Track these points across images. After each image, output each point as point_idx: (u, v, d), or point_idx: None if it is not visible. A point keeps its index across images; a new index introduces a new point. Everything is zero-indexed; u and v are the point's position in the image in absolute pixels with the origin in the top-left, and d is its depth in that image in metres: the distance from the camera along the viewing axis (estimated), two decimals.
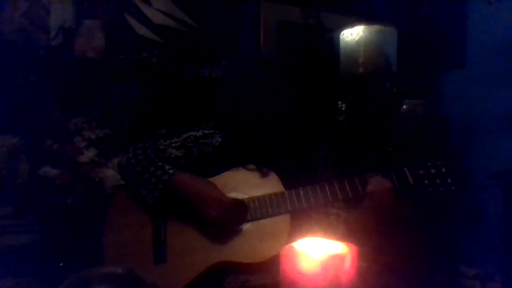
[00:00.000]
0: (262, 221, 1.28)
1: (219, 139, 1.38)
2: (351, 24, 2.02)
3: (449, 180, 1.28)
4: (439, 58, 2.39)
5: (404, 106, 2.00)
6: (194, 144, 1.37)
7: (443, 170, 1.29)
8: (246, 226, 1.29)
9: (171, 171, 1.27)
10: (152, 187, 1.27)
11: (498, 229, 2.09)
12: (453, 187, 1.28)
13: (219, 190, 1.28)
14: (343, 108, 1.99)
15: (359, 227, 1.36)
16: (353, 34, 2.00)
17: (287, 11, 2.20)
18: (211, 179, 1.33)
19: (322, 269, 0.75)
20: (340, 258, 0.77)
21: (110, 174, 1.70)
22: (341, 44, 2.05)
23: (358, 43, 1.98)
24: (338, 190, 1.29)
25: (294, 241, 0.81)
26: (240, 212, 1.29)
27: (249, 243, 1.26)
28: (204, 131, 1.40)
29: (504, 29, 2.21)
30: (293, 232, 1.26)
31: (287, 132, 1.38)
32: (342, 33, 2.05)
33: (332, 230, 1.34)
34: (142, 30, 1.90)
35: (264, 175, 1.32)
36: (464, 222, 2.25)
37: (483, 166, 2.15)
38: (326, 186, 1.30)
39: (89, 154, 1.71)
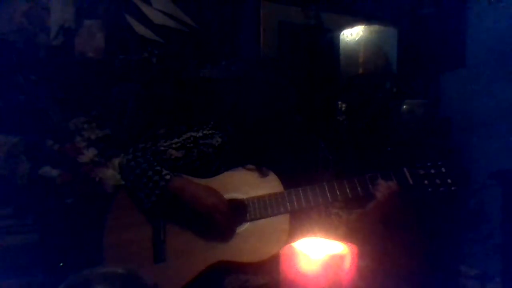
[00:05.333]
0: (261, 221, 1.28)
1: (219, 140, 1.38)
2: (351, 24, 2.02)
3: (449, 180, 1.28)
4: (439, 58, 2.39)
5: (404, 106, 2.00)
6: (194, 144, 1.36)
7: (443, 170, 1.29)
8: (246, 226, 1.29)
9: (167, 177, 1.27)
10: (149, 192, 1.27)
11: (498, 229, 2.09)
12: (453, 187, 1.28)
13: (216, 194, 1.28)
14: (343, 108, 1.99)
15: (359, 227, 1.36)
16: (353, 34, 2.00)
17: (287, 11, 2.20)
18: (211, 180, 1.33)
19: (322, 269, 0.75)
20: (340, 258, 0.77)
21: (110, 174, 1.70)
22: (341, 44, 2.05)
23: (358, 43, 1.98)
24: (337, 191, 1.29)
25: (294, 241, 0.81)
26: (239, 212, 1.29)
27: (249, 243, 1.27)
28: (204, 132, 1.40)
29: (504, 29, 2.21)
30: (293, 232, 1.26)
31: (287, 132, 1.38)
32: (342, 33, 2.05)
33: (332, 230, 1.34)
34: (142, 30, 1.90)
35: (263, 175, 1.32)
36: (464, 222, 2.25)
37: (483, 166, 2.15)
38: (326, 187, 1.30)
39: (89, 154, 1.70)
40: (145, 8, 1.92)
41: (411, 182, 1.29)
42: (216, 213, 1.25)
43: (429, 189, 1.28)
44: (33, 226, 1.67)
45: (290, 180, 1.32)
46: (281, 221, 1.28)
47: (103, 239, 1.32)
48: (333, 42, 2.11)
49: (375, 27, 1.97)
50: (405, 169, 1.30)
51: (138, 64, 1.86)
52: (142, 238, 1.30)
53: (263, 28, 2.13)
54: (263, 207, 1.28)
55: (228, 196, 1.30)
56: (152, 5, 1.93)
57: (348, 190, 1.29)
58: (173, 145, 1.36)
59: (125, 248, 1.30)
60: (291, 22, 2.21)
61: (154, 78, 1.89)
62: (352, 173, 1.32)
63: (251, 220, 1.29)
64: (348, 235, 1.32)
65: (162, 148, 1.35)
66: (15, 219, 1.66)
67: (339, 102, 2.01)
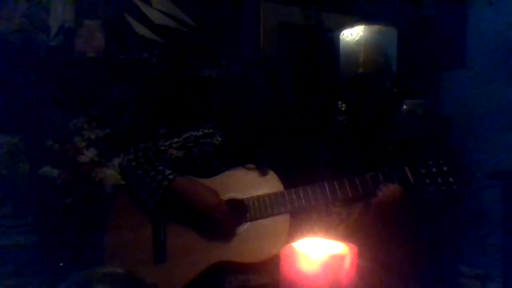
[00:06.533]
0: (261, 221, 1.28)
1: (220, 139, 1.38)
2: (351, 24, 2.02)
3: (450, 179, 1.26)
4: (439, 58, 2.39)
5: (404, 106, 1.99)
6: (194, 143, 1.36)
7: (445, 168, 1.28)
8: (246, 226, 1.29)
9: (171, 177, 1.27)
10: (153, 192, 1.27)
11: (498, 229, 2.09)
12: (455, 186, 1.26)
13: (217, 196, 1.28)
14: (343, 108, 1.98)
15: (359, 227, 1.36)
16: (353, 34, 1.99)
17: (287, 11, 2.20)
18: (211, 179, 1.33)
19: (322, 269, 0.75)
20: (340, 258, 0.77)
21: (110, 174, 1.70)
22: (341, 44, 2.05)
23: (358, 43, 1.97)
24: (338, 190, 1.29)
25: (294, 241, 0.81)
26: (239, 212, 1.29)
27: (249, 243, 1.27)
28: (205, 131, 1.40)
29: (504, 29, 2.21)
30: (293, 232, 1.26)
31: (287, 132, 1.38)
32: (342, 33, 2.05)
33: (332, 230, 1.34)
34: (142, 30, 1.90)
35: (263, 174, 1.32)
36: (464, 222, 2.25)
37: (483, 166, 2.15)
38: (326, 186, 1.30)
39: (89, 154, 1.71)
40: (145, 8, 1.92)
41: (412, 181, 1.28)
42: (218, 213, 1.25)
43: (431, 188, 1.27)
44: (33, 226, 1.68)
45: (290, 179, 1.32)
46: (281, 221, 1.28)
47: (103, 239, 1.31)
48: (333, 42, 2.11)
49: (375, 27, 1.97)
50: (406, 168, 1.30)
51: (138, 64, 1.86)
52: (142, 238, 1.30)
53: (263, 28, 2.13)
54: (263, 207, 1.28)
55: (228, 195, 1.30)
56: (152, 5, 1.93)
57: (348, 189, 1.29)
58: (174, 145, 1.36)
59: (125, 248, 1.30)
60: (291, 22, 2.21)
61: (154, 78, 1.89)
62: (352, 172, 1.32)
63: (251, 220, 1.29)
64: (348, 235, 1.32)
65: (162, 147, 1.35)
66: (15, 219, 1.66)
67: (339, 102, 2.01)
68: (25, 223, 1.67)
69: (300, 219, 1.31)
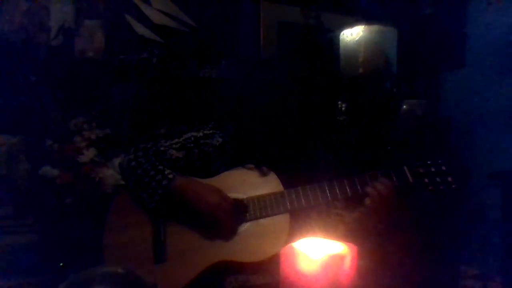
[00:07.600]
0: (261, 221, 1.28)
1: (220, 139, 1.38)
2: (351, 24, 2.02)
3: (449, 179, 1.28)
4: (439, 58, 2.39)
5: (404, 106, 1.99)
6: (194, 144, 1.37)
7: (443, 168, 1.29)
8: (246, 226, 1.29)
9: (170, 176, 1.27)
10: (152, 191, 1.27)
11: (498, 229, 2.09)
12: (453, 186, 1.27)
13: (219, 193, 1.28)
14: (343, 108, 1.98)
15: (359, 227, 1.36)
16: (353, 34, 1.99)
17: (287, 11, 2.20)
18: (211, 180, 1.33)
19: (322, 269, 0.75)
20: (340, 258, 0.77)
21: (110, 174, 1.71)
22: (341, 44, 2.05)
23: (358, 43, 1.97)
24: (337, 190, 1.29)
25: (294, 241, 0.81)
26: (239, 212, 1.29)
27: (249, 243, 1.27)
28: (205, 131, 1.40)
29: (504, 29, 2.21)
30: (293, 231, 1.26)
31: (287, 132, 1.38)
32: (342, 33, 2.05)
33: (332, 230, 1.34)
34: (142, 30, 1.90)
35: (263, 174, 1.32)
36: (464, 222, 2.25)
37: (483, 166, 2.15)
38: (326, 186, 1.30)
39: (89, 154, 1.71)
40: (145, 8, 1.92)
41: (411, 180, 1.29)
42: (219, 212, 1.25)
43: (430, 188, 1.28)
44: (33, 226, 1.68)
45: (290, 179, 1.32)
46: (281, 221, 1.28)
47: (103, 239, 1.32)
48: (333, 42, 2.11)
49: (375, 27, 1.97)
50: (405, 168, 1.30)
51: (138, 64, 1.86)
52: (142, 238, 1.30)
53: (263, 28, 2.13)
54: (263, 207, 1.29)
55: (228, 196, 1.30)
56: (152, 5, 1.93)
57: (348, 188, 1.29)
58: (174, 145, 1.36)
59: (125, 248, 1.30)
60: (291, 22, 2.21)
61: (154, 78, 1.89)
62: (352, 172, 1.32)
63: (251, 220, 1.29)
64: (348, 235, 1.32)
65: (162, 148, 1.35)
66: (15, 219, 1.66)
67: (339, 102, 2.01)
68: (25, 223, 1.67)
69: (300, 219, 1.31)
